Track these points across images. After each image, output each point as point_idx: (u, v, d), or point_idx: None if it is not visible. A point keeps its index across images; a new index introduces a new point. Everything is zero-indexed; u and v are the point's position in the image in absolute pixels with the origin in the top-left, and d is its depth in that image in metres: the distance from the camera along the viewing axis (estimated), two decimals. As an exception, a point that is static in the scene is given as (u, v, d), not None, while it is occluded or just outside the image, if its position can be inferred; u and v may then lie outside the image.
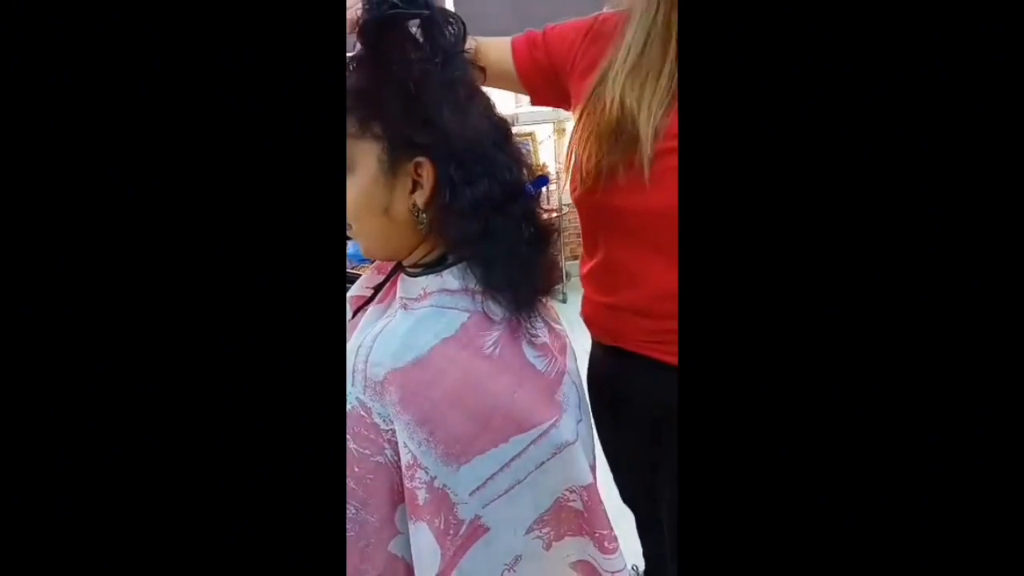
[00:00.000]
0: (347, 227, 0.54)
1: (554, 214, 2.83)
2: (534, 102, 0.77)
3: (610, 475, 0.83)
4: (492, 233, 0.48)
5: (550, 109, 2.68)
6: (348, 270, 1.70)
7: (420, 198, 0.49)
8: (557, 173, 2.67)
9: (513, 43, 0.73)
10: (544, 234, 0.53)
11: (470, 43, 0.69)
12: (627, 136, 0.58)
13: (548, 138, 2.73)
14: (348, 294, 0.65)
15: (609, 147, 0.60)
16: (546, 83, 0.72)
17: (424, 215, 0.49)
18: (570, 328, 0.62)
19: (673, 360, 0.67)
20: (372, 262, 0.65)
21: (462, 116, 0.47)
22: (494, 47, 0.74)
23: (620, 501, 0.87)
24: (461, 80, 0.49)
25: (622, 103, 0.58)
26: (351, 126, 0.48)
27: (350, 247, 1.79)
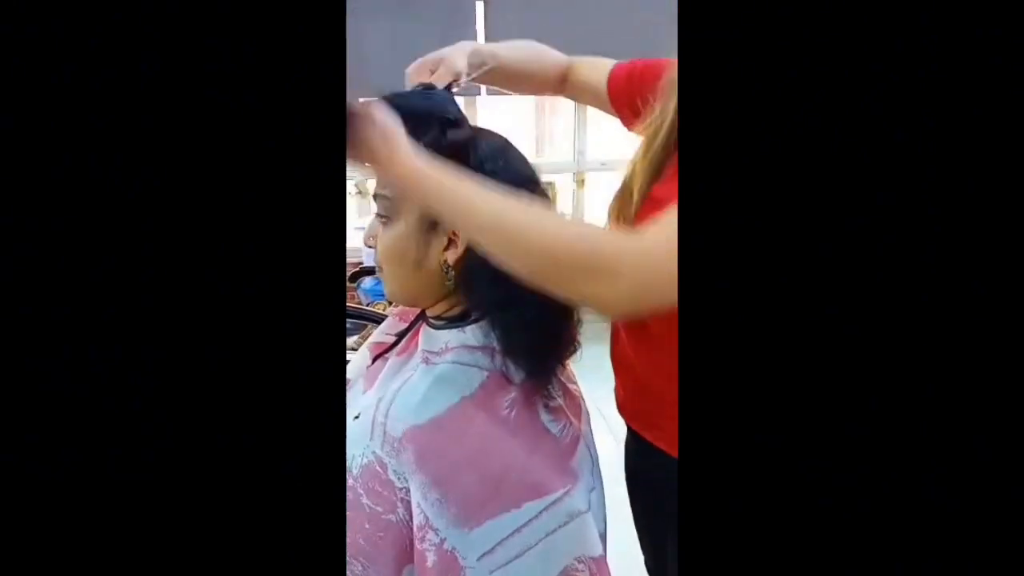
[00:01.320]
0: (378, 268, 0.56)
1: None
2: (628, 128, 0.74)
3: (621, 542, 0.82)
4: (517, 300, 0.49)
5: (570, 159, 2.75)
6: (363, 306, 1.72)
7: (452, 256, 0.50)
8: (574, 222, 2.70)
9: (613, 68, 0.74)
10: (567, 304, 0.54)
11: (560, 61, 0.75)
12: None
13: (568, 188, 2.78)
14: (369, 340, 0.66)
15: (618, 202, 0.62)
16: (631, 112, 0.70)
17: (452, 272, 0.51)
18: (583, 380, 0.63)
19: (652, 438, 0.69)
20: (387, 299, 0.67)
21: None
22: (589, 67, 0.76)
23: (628, 566, 0.86)
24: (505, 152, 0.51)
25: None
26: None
27: (369, 282, 1.81)
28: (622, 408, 0.74)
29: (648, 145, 0.59)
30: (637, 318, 0.51)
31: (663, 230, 0.43)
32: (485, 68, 0.66)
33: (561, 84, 0.78)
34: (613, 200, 0.63)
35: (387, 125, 0.45)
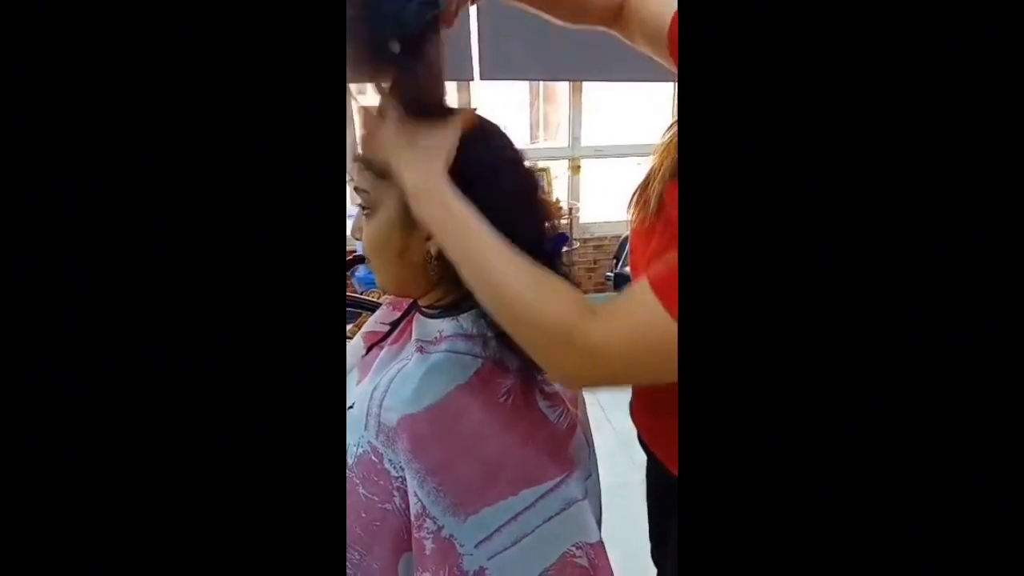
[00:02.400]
0: (366, 260, 0.55)
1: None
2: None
3: (619, 527, 0.85)
4: None
5: (565, 145, 2.74)
6: (357, 294, 1.71)
7: (434, 246, 0.49)
8: (570, 210, 2.70)
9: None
10: None
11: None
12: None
13: (563, 174, 2.77)
14: (363, 329, 0.66)
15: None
16: None
17: (436, 262, 0.50)
18: None
19: (659, 454, 0.69)
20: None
21: (490, 177, 0.48)
22: (656, 4, 0.62)
23: (627, 558, 0.89)
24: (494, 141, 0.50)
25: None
26: (377, 164, 0.49)
27: (363, 270, 1.81)
28: (634, 420, 0.74)
29: (671, 151, 0.56)
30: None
31: (626, 320, 0.42)
32: None
33: (615, 14, 0.65)
34: (637, 189, 0.61)
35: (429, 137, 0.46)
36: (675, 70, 0.62)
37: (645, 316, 0.40)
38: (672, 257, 0.40)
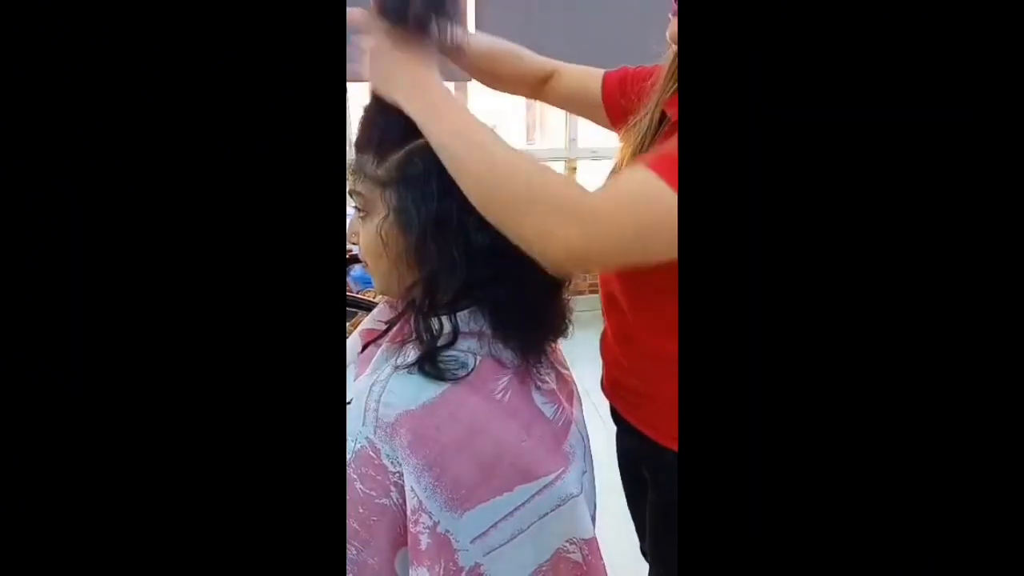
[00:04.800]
0: (363, 262, 0.55)
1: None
2: (615, 129, 0.79)
3: (613, 525, 0.86)
4: (501, 278, 0.49)
5: (561, 146, 2.74)
6: (354, 294, 1.71)
7: None
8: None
9: (606, 73, 0.78)
10: (556, 279, 0.54)
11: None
12: None
13: (559, 175, 2.77)
14: (360, 326, 0.66)
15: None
16: (620, 113, 0.74)
17: None
18: (573, 365, 0.63)
19: (633, 420, 0.72)
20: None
21: None
22: (582, 73, 0.79)
23: (622, 555, 0.89)
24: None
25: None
26: (369, 167, 0.49)
27: (359, 270, 1.81)
28: (606, 393, 0.77)
29: (631, 140, 0.62)
30: (571, 270, 0.54)
31: (626, 190, 0.45)
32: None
33: (539, 87, 0.81)
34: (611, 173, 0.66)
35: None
36: (604, 126, 0.79)
37: (646, 188, 0.43)
38: (665, 146, 0.44)
